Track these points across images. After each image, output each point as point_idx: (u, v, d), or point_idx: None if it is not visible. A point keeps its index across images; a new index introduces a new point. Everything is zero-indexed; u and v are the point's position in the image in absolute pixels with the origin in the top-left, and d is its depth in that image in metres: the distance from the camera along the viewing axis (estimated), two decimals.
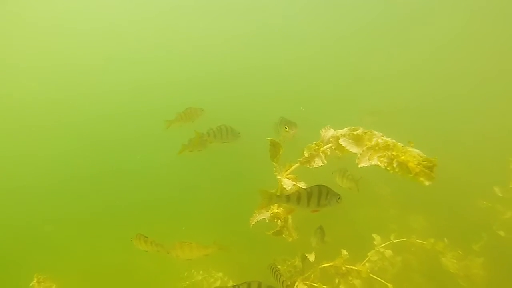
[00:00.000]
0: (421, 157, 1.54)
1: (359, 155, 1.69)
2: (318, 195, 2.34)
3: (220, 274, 6.27)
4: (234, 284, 2.43)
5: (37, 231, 7.64)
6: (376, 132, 1.80)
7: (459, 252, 4.56)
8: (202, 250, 2.99)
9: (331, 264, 3.17)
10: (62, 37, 15.94)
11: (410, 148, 1.61)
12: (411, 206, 6.92)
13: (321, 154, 2.26)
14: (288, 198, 2.36)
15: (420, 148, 1.59)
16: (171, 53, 17.60)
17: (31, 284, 2.91)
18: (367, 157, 1.63)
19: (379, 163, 1.57)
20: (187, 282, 6.00)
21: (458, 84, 15.14)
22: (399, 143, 1.64)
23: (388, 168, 1.54)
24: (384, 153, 1.56)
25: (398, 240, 4.83)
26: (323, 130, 2.40)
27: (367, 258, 4.00)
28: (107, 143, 10.89)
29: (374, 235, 4.71)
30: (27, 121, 12.49)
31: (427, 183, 1.50)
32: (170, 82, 14.10)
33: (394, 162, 1.51)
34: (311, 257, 2.96)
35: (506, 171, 5.25)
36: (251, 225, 2.63)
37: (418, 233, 5.00)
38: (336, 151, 1.96)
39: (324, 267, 3.17)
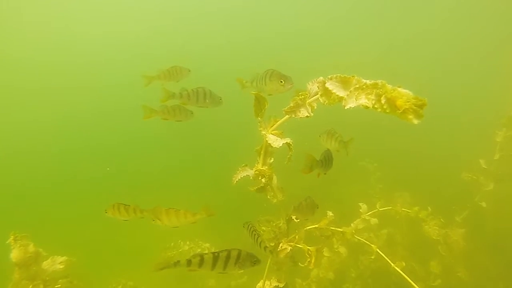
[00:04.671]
0: (410, 95, 1.47)
1: (345, 97, 1.61)
2: (330, 159, 2.64)
3: (207, 244, 6.28)
4: (214, 251, 2.35)
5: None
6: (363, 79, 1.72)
7: (441, 220, 4.64)
8: (190, 217, 2.80)
9: (316, 226, 3.16)
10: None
11: (399, 88, 1.53)
12: (397, 181, 7.00)
13: (307, 105, 2.17)
14: (321, 163, 2.57)
15: None
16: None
17: (7, 241, 2.81)
18: (354, 97, 1.55)
19: (366, 101, 1.48)
20: (174, 252, 5.99)
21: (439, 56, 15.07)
22: (388, 84, 1.57)
23: (376, 106, 1.46)
24: (372, 91, 1.48)
25: (384, 209, 4.89)
26: (310, 83, 2.29)
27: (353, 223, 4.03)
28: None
29: (360, 204, 4.75)
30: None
31: (415, 121, 1.43)
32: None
33: (382, 98, 1.43)
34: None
35: (492, 143, 5.31)
36: (234, 182, 2.56)
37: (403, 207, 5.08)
38: (322, 98, 1.87)
39: (309, 229, 3.15)
